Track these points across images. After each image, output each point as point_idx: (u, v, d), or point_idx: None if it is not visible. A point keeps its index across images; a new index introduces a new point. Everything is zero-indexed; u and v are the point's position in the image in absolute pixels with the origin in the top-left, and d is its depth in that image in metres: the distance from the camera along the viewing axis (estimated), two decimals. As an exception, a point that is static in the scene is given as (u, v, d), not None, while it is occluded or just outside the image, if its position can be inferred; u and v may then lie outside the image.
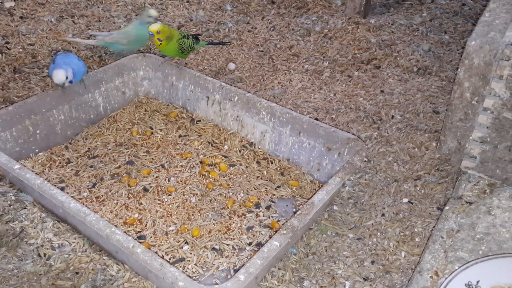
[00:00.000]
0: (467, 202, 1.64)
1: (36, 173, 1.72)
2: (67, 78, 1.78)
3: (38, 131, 1.83)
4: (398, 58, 2.57)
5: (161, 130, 1.99)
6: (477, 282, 1.36)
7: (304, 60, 2.57)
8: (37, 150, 1.84)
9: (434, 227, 1.61)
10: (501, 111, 1.61)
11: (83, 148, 1.88)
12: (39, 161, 1.81)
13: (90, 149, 1.87)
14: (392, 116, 2.15)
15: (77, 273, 1.43)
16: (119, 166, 1.79)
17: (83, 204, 1.61)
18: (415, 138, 2.02)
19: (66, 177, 1.74)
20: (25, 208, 1.62)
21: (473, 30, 1.68)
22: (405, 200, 1.74)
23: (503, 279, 1.36)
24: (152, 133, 1.98)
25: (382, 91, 2.32)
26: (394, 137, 2.03)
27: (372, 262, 1.52)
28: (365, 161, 1.90)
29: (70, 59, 1.85)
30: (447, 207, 1.63)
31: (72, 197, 1.48)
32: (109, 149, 1.88)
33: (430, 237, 1.56)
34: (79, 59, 1.90)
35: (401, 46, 2.67)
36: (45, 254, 1.47)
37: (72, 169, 1.77)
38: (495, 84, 1.59)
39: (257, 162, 1.86)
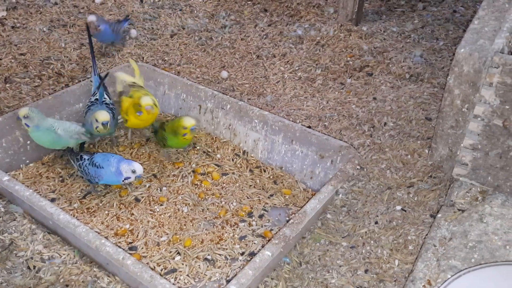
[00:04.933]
0: (459, 210, 1.64)
1: (27, 185, 1.70)
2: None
3: (28, 142, 1.82)
4: (390, 65, 2.58)
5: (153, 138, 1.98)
6: (470, 290, 1.36)
7: (296, 68, 2.57)
8: (27, 161, 1.83)
9: (427, 235, 1.61)
10: (491, 118, 1.62)
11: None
12: (30, 172, 1.79)
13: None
14: (385, 123, 2.16)
15: (67, 285, 1.41)
16: (111, 176, 1.78)
17: (74, 215, 1.60)
18: (407, 145, 2.02)
19: (57, 188, 1.72)
20: (14, 220, 1.60)
21: (463, 37, 1.69)
22: (398, 207, 1.74)
23: None
24: (143, 143, 1.97)
25: (374, 98, 2.33)
26: (386, 144, 2.03)
27: (366, 271, 1.51)
28: (358, 168, 1.89)
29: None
30: (439, 215, 1.63)
31: (62, 208, 1.47)
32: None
33: (423, 246, 1.55)
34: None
35: (393, 53, 2.68)
36: (34, 267, 1.46)
37: (63, 180, 1.76)
38: (485, 92, 1.60)
39: (250, 170, 1.85)
